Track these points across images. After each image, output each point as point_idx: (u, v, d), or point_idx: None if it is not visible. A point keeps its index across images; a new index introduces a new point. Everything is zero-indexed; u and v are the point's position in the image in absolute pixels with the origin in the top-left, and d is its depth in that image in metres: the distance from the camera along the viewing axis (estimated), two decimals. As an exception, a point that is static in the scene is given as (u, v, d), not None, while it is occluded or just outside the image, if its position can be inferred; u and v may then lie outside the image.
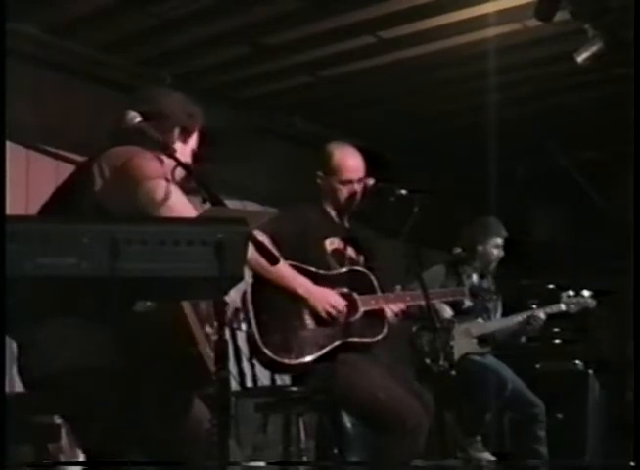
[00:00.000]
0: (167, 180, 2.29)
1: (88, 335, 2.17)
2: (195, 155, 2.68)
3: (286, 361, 3.38)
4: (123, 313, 2.06)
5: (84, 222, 1.85)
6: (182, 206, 2.29)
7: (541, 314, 4.83)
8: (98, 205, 2.27)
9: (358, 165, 3.69)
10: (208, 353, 2.28)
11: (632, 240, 3.53)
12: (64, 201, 2.38)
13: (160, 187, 2.26)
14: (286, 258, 3.32)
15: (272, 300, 3.43)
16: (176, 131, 2.59)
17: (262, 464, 3.60)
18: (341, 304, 3.49)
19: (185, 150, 2.62)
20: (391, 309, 3.60)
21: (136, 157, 2.34)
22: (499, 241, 5.02)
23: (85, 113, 5.09)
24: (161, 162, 2.39)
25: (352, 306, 3.52)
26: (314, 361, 3.41)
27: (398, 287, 3.74)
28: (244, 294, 3.44)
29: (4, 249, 1.69)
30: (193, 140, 2.67)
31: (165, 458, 2.27)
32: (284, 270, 3.35)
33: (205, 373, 2.22)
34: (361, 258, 3.75)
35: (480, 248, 4.99)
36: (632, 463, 3.33)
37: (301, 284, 3.42)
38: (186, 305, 2.23)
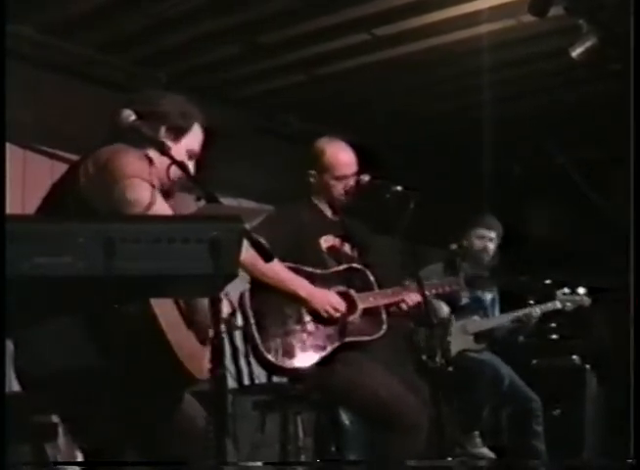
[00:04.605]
0: (146, 180, 2.26)
1: (84, 334, 2.17)
2: (191, 155, 2.65)
3: (289, 366, 3.38)
4: (104, 313, 2.06)
5: (79, 221, 1.84)
6: (159, 207, 2.25)
7: (536, 310, 4.85)
8: (83, 202, 2.27)
9: (351, 160, 3.68)
10: (194, 348, 2.28)
11: (632, 239, 3.53)
12: (54, 199, 2.39)
13: (136, 186, 2.24)
14: (282, 259, 3.31)
15: (271, 303, 3.41)
16: (162, 129, 2.56)
17: (260, 464, 3.60)
18: (342, 304, 3.48)
19: (178, 149, 2.57)
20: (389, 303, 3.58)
21: (119, 154, 2.33)
22: (484, 232, 5.00)
23: (84, 113, 5.08)
24: (149, 161, 2.38)
25: (351, 305, 3.52)
26: (317, 364, 3.41)
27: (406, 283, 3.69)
28: (242, 295, 3.43)
29: (4, 249, 1.70)
30: (188, 139, 2.63)
31: (161, 457, 2.28)
32: (283, 273, 3.33)
33: (183, 374, 2.22)
34: (356, 255, 3.74)
35: (465, 242, 4.98)
36: (630, 460, 3.32)
37: (302, 286, 3.40)
38: (162, 304, 2.21)
